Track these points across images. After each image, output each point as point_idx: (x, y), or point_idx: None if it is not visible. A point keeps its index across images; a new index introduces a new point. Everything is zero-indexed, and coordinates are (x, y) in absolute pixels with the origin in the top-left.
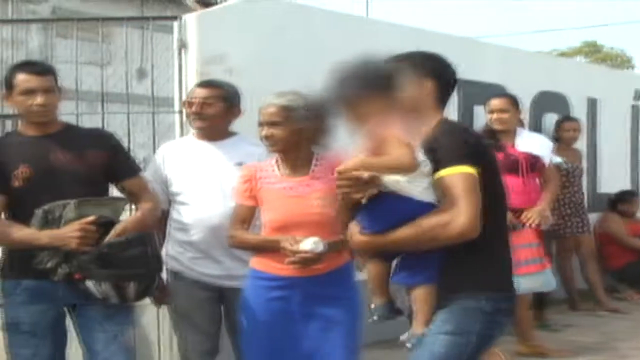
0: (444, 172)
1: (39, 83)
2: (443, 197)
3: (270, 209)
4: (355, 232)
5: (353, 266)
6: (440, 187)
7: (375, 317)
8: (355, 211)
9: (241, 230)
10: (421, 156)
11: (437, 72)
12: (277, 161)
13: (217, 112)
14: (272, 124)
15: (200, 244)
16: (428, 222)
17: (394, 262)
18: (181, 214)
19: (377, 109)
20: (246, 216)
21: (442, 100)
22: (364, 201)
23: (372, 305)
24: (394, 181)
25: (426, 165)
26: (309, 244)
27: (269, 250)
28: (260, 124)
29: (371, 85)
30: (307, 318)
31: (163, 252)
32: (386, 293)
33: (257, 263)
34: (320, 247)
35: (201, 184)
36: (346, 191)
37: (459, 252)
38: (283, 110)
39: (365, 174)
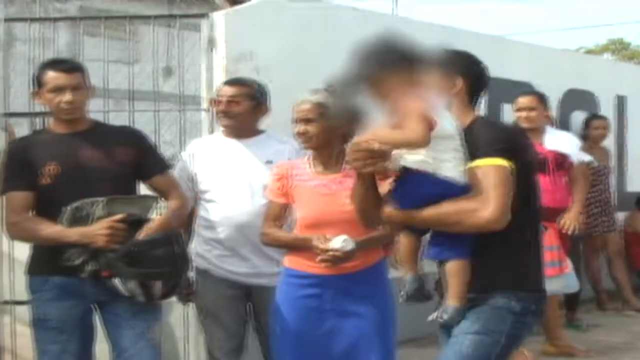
0: (477, 163)
1: (67, 80)
2: (474, 187)
3: (302, 206)
4: (387, 205)
5: (386, 264)
6: (472, 177)
7: (402, 294)
8: (373, 186)
9: (274, 227)
10: (449, 131)
11: (467, 70)
12: (310, 159)
13: (244, 110)
14: (306, 120)
15: (228, 242)
16: (455, 206)
17: (426, 238)
18: (209, 211)
19: (398, 84)
20: (279, 213)
21: (473, 98)
22: (385, 178)
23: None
24: (419, 160)
25: (456, 140)
26: (338, 242)
27: (301, 248)
28: (295, 121)
29: (392, 61)
30: (339, 316)
31: (190, 250)
32: (415, 267)
33: (290, 261)
34: (349, 246)
35: (229, 181)
36: (358, 164)
37: (491, 251)
38: (317, 107)
39: (375, 145)
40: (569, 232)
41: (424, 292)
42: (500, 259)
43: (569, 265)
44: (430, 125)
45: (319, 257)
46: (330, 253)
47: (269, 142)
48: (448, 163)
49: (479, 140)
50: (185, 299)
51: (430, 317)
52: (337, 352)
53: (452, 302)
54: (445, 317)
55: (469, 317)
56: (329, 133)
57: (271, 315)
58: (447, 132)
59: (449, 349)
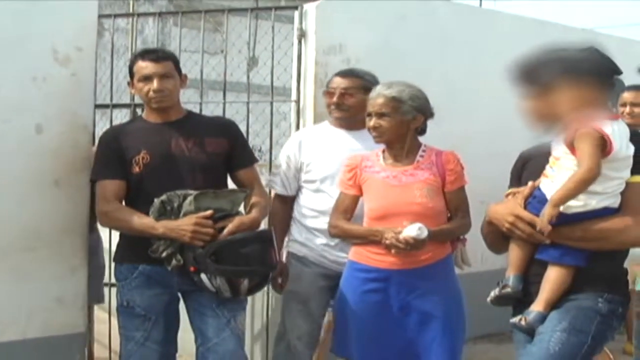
0: (637, 179)
1: (154, 69)
2: (627, 201)
3: (372, 198)
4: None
5: (452, 260)
6: (627, 191)
7: (496, 292)
8: None
9: (343, 220)
10: (624, 153)
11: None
12: (383, 151)
13: (357, 102)
14: (379, 114)
15: None
16: (603, 224)
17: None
18: (316, 201)
19: (573, 99)
20: (349, 206)
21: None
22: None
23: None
24: (581, 206)
25: (629, 160)
26: (414, 229)
27: (371, 241)
28: (368, 114)
29: (574, 69)
30: (403, 311)
31: (285, 238)
32: (522, 269)
33: (355, 254)
34: (424, 233)
35: (339, 172)
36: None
37: (591, 256)
38: (391, 101)
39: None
40: None
41: (519, 295)
42: (597, 263)
43: None
44: (605, 150)
45: (389, 242)
46: (405, 238)
47: None
48: (610, 194)
49: None
50: (281, 287)
51: (513, 320)
52: (399, 347)
53: (538, 307)
54: (529, 320)
55: (554, 316)
56: (403, 127)
57: (334, 309)
58: (622, 155)
59: (535, 346)
